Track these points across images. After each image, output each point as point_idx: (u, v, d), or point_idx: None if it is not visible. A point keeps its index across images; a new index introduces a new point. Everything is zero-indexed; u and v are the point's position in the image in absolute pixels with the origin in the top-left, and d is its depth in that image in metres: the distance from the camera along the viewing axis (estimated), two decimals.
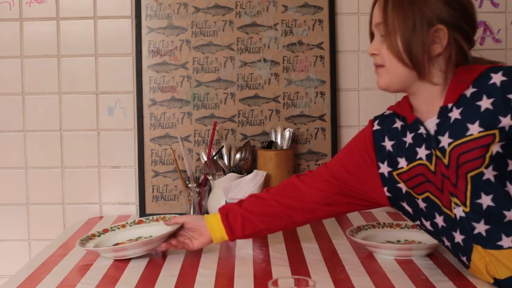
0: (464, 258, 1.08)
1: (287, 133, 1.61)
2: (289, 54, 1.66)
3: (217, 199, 1.55)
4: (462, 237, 1.06)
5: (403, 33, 1.04)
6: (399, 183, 1.13)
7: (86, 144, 1.69)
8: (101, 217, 1.67)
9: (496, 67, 1.03)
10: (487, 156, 1.00)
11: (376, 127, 1.18)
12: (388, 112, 1.19)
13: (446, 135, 1.05)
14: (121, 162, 1.69)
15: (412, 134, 1.11)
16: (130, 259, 1.25)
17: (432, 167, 1.07)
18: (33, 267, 1.22)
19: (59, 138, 1.69)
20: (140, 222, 1.39)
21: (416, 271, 1.16)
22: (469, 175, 1.02)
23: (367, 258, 1.24)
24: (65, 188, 1.70)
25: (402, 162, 1.12)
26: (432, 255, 1.25)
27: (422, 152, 1.09)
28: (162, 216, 1.39)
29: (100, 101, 1.69)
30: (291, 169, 1.61)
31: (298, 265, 1.20)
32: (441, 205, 1.08)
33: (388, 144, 1.15)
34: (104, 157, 1.70)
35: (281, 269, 1.18)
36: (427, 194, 1.10)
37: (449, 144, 1.04)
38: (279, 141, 1.62)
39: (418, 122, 1.10)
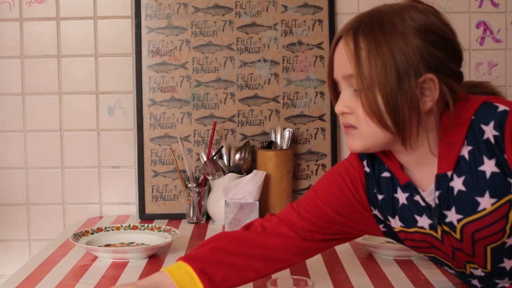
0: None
1: (286, 133, 1.61)
2: (289, 54, 1.66)
3: (216, 199, 1.55)
4: (481, 285, 0.95)
5: (385, 88, 0.82)
6: (399, 238, 0.97)
7: (86, 144, 1.69)
8: (101, 217, 1.67)
9: (485, 115, 0.84)
10: (507, 227, 0.85)
11: (366, 168, 0.95)
12: (375, 155, 0.95)
13: (453, 210, 0.87)
14: (121, 162, 1.70)
15: (406, 195, 0.91)
16: (129, 260, 1.25)
17: (438, 236, 0.91)
18: (32, 267, 1.22)
19: (59, 138, 1.69)
20: (135, 227, 1.40)
21: (415, 271, 1.16)
22: (489, 247, 0.88)
23: (367, 258, 1.24)
24: (65, 188, 1.70)
25: (395, 223, 0.94)
26: None
27: (423, 221, 0.91)
28: (157, 226, 1.39)
29: (100, 101, 1.69)
30: (290, 169, 1.61)
31: (298, 265, 1.20)
32: (453, 267, 0.95)
33: (379, 196, 0.95)
34: (104, 157, 1.70)
35: None
36: (433, 255, 0.96)
37: (459, 220, 0.87)
38: (278, 141, 1.62)
39: (413, 189, 0.90)
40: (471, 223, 0.86)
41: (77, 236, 1.32)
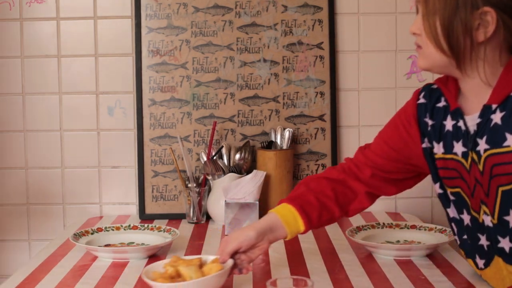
0: (481, 262, 1.03)
1: (286, 133, 1.61)
2: (289, 54, 1.66)
3: (216, 199, 1.55)
4: (488, 242, 1.01)
5: (443, 14, 0.94)
6: (437, 168, 1.07)
7: (86, 144, 1.69)
8: (101, 217, 1.67)
9: None
10: None
11: (421, 100, 1.09)
12: (435, 85, 1.09)
13: (484, 139, 0.96)
14: (121, 162, 1.70)
15: (453, 122, 1.03)
16: (129, 260, 1.25)
17: (467, 166, 1.00)
18: (32, 267, 1.22)
19: (59, 138, 1.69)
20: (135, 227, 1.40)
21: (415, 271, 1.16)
22: (501, 189, 0.95)
23: (367, 258, 1.24)
24: (65, 188, 1.70)
25: (438, 148, 1.05)
26: (432, 255, 1.25)
27: (458, 147, 1.01)
28: (157, 226, 1.39)
29: (100, 101, 1.69)
30: (290, 169, 1.61)
31: (297, 265, 1.20)
32: (470, 207, 1.03)
33: (429, 121, 1.07)
34: (104, 157, 1.70)
35: (280, 269, 1.18)
36: (458, 189, 1.04)
37: (485, 150, 0.96)
38: (278, 141, 1.62)
39: (459, 114, 1.02)
40: (494, 155, 0.95)
41: (77, 236, 1.32)
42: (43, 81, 1.68)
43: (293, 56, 1.66)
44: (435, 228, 1.36)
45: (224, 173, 1.57)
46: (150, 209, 1.66)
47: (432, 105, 1.07)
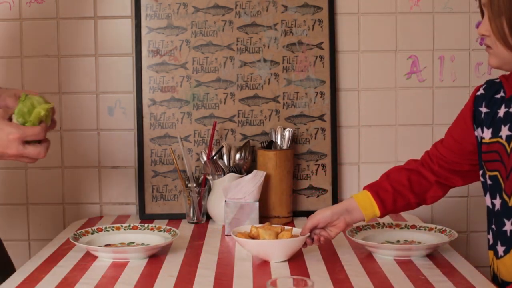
0: (501, 248, 1.09)
1: (286, 133, 1.61)
2: (289, 54, 1.66)
3: (216, 199, 1.55)
4: (510, 228, 1.08)
5: (509, 15, 1.01)
6: (481, 151, 1.16)
7: (86, 144, 1.69)
8: (101, 217, 1.67)
9: None
10: None
11: (480, 91, 1.19)
12: (498, 79, 1.19)
13: None
14: (121, 162, 1.70)
15: (506, 110, 1.12)
16: (129, 259, 1.25)
17: (508, 149, 1.09)
18: (33, 267, 1.22)
19: (59, 138, 1.69)
20: (135, 227, 1.40)
21: (415, 271, 1.16)
22: None
23: (367, 258, 1.24)
24: (65, 188, 1.70)
25: (487, 134, 1.15)
26: (432, 255, 1.25)
27: (504, 131, 1.10)
28: (157, 226, 1.39)
29: (100, 101, 1.69)
30: (290, 169, 1.61)
31: (297, 265, 1.20)
32: (503, 189, 1.10)
33: (483, 110, 1.17)
34: (104, 157, 1.70)
35: (280, 269, 1.18)
36: (496, 173, 1.12)
37: None
38: (278, 141, 1.62)
39: None
40: None
41: (77, 236, 1.32)
42: (43, 81, 1.68)
43: (293, 56, 1.66)
44: (435, 228, 1.36)
45: (224, 173, 1.57)
46: (150, 209, 1.66)
47: (491, 96, 1.17)
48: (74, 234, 1.31)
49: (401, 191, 1.26)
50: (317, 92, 1.67)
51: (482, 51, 1.70)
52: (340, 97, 1.70)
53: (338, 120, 1.69)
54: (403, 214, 1.65)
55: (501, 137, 1.11)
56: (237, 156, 1.59)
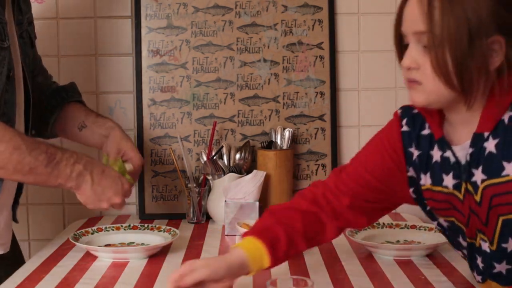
0: (478, 277, 0.99)
1: (286, 133, 1.61)
2: (289, 54, 1.66)
3: (216, 199, 1.55)
4: (483, 265, 0.97)
5: (455, 48, 0.83)
6: (424, 198, 1.01)
7: None
8: (101, 217, 1.67)
9: None
10: None
11: (405, 128, 1.01)
12: (415, 110, 1.01)
13: (480, 169, 0.90)
14: None
15: (440, 153, 0.95)
16: (129, 259, 1.25)
17: (460, 196, 0.94)
18: (32, 267, 1.22)
19: (59, 138, 1.69)
20: (135, 227, 1.40)
21: (415, 271, 1.16)
22: (502, 218, 0.90)
23: (367, 258, 1.24)
24: None
25: (425, 179, 0.98)
26: (432, 255, 1.25)
27: (449, 180, 0.94)
28: (157, 226, 1.39)
29: (100, 101, 1.69)
30: (290, 169, 1.61)
31: (297, 265, 1.20)
32: (465, 234, 0.98)
33: (415, 152, 0.99)
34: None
35: (280, 269, 1.18)
36: (452, 219, 0.98)
37: (482, 181, 0.90)
38: (278, 141, 1.62)
39: (445, 144, 0.94)
40: (493, 186, 0.88)
41: (77, 236, 1.32)
42: None
43: (293, 56, 1.66)
44: (435, 228, 1.36)
45: (224, 173, 1.57)
46: (150, 209, 1.66)
47: (417, 134, 1.00)
48: (74, 234, 1.31)
49: (294, 240, 1.01)
50: (317, 92, 1.67)
51: None
52: (340, 97, 1.70)
53: (338, 120, 1.69)
54: (403, 214, 1.65)
55: (446, 187, 0.95)
56: (237, 156, 1.59)
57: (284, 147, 1.61)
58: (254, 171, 1.52)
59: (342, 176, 1.06)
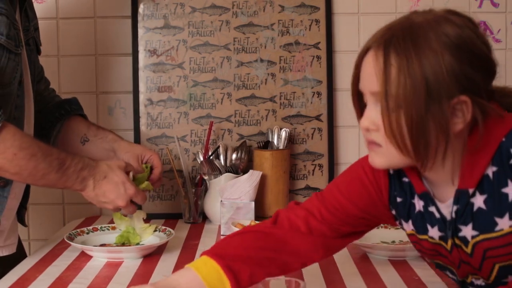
0: None
1: (283, 133, 1.61)
2: (286, 54, 1.66)
3: (213, 199, 1.56)
4: None
5: (410, 110, 0.76)
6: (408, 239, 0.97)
7: None
8: (98, 216, 1.68)
9: None
10: None
11: (391, 170, 0.92)
12: None
13: (469, 226, 0.85)
14: None
15: (422, 203, 0.89)
16: (123, 259, 1.26)
17: (448, 247, 0.89)
18: (27, 266, 1.22)
19: None
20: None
21: (409, 271, 1.16)
22: (498, 265, 0.86)
23: (361, 259, 1.24)
24: None
25: (408, 226, 0.93)
26: None
27: (434, 232, 0.89)
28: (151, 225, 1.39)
29: (100, 101, 1.70)
30: (287, 169, 1.61)
31: None
32: (456, 275, 0.93)
33: (398, 199, 0.93)
34: None
35: None
36: (439, 261, 0.94)
37: (474, 236, 0.85)
38: (275, 141, 1.62)
39: (429, 200, 0.88)
40: (486, 241, 0.84)
41: (72, 235, 1.32)
42: None
43: (290, 56, 1.66)
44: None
45: (221, 173, 1.57)
46: (146, 209, 1.65)
47: (400, 181, 0.92)
48: (69, 234, 1.32)
49: (261, 263, 0.92)
50: (314, 92, 1.66)
51: None
52: (337, 97, 1.69)
53: (335, 120, 1.69)
54: None
55: (432, 237, 0.89)
56: (234, 156, 1.59)
57: (281, 147, 1.61)
58: (250, 171, 1.52)
59: (325, 204, 0.97)
